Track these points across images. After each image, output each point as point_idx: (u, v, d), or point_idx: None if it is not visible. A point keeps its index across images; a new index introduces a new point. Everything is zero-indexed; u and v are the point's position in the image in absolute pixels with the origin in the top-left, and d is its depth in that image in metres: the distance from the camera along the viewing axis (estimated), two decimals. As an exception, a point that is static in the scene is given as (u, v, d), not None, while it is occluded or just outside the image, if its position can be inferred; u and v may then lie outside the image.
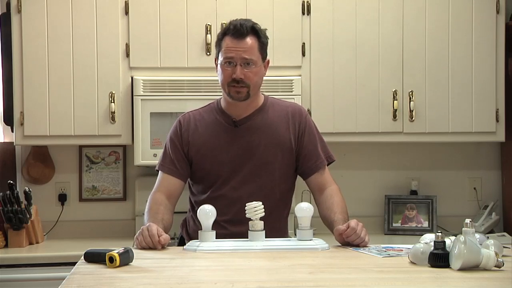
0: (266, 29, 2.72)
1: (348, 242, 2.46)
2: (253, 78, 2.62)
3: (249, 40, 2.61)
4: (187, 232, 2.80)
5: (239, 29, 2.60)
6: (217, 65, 2.69)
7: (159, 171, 2.76)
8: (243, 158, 2.68)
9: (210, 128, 2.72)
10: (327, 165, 2.78)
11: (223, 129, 2.70)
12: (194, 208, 2.75)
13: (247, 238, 2.45)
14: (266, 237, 2.46)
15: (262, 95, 2.78)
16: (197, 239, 2.48)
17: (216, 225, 2.51)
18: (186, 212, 2.90)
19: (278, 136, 2.71)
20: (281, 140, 2.71)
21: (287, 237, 2.81)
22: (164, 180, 2.72)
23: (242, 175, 2.68)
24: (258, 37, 2.64)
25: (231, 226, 2.62)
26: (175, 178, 2.71)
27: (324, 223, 2.65)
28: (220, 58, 2.64)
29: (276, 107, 2.77)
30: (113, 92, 3.62)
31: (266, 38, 2.69)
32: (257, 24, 2.68)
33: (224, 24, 3.59)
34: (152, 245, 2.40)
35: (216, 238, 2.47)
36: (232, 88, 2.62)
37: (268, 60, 2.72)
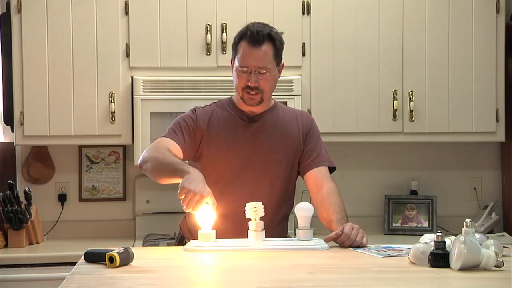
0: (282, 33, 2.72)
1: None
2: (267, 85, 2.66)
3: (264, 48, 2.63)
4: (188, 230, 2.79)
5: (255, 37, 2.62)
6: (232, 66, 2.71)
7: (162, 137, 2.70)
8: (254, 154, 2.70)
9: (224, 121, 2.73)
10: (330, 173, 2.78)
11: (236, 123, 2.73)
12: None
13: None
14: (271, 234, 2.46)
15: (271, 99, 2.81)
16: (198, 235, 2.48)
17: (225, 220, 2.50)
18: (182, 212, 2.88)
19: (288, 135, 2.75)
20: (291, 139, 2.75)
21: (286, 236, 2.82)
22: (167, 142, 2.66)
23: (252, 170, 2.70)
24: (273, 44, 2.66)
25: (240, 221, 2.59)
26: (179, 147, 2.66)
27: (323, 222, 2.65)
28: (236, 63, 2.67)
29: (285, 110, 2.84)
30: (113, 92, 3.62)
31: (282, 43, 2.71)
32: (274, 29, 2.68)
33: (224, 24, 3.62)
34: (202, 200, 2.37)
35: (225, 233, 2.47)
36: (246, 94, 2.66)
37: (283, 64, 2.74)
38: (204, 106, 2.81)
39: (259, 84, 2.63)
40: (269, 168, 2.71)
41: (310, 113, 3.60)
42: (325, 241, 2.47)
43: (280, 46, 2.69)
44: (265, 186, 2.69)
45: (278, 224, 2.73)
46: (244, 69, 2.63)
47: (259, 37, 2.62)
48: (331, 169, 2.80)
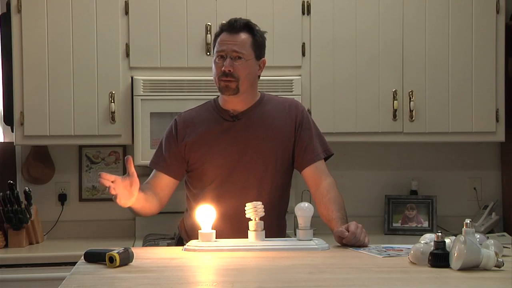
0: (265, 32, 2.73)
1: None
2: (242, 72, 2.62)
3: (242, 35, 2.64)
4: (185, 231, 2.79)
5: (233, 24, 2.65)
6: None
7: (153, 169, 2.76)
8: (242, 153, 2.67)
9: (208, 124, 2.71)
10: (326, 159, 2.76)
11: (220, 124, 2.70)
12: (191, 205, 2.74)
13: (247, 233, 2.44)
14: (266, 233, 2.46)
15: (258, 92, 2.77)
16: (195, 237, 2.48)
17: (220, 222, 2.50)
18: (182, 212, 2.89)
19: (276, 130, 2.70)
20: (279, 134, 2.70)
21: (285, 233, 2.81)
22: (155, 177, 2.73)
23: (240, 170, 2.66)
24: (252, 34, 2.66)
25: (229, 221, 2.58)
26: (167, 175, 2.70)
27: (322, 218, 2.64)
28: (214, 54, 2.67)
29: (273, 102, 2.78)
30: (113, 92, 3.62)
31: (263, 38, 2.71)
32: (254, 24, 2.70)
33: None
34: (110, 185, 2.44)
35: (219, 236, 2.47)
36: (222, 81, 2.63)
37: (264, 60, 2.72)
38: (188, 110, 2.80)
39: (234, 70, 2.60)
40: (257, 166, 2.67)
41: (310, 113, 3.61)
42: (334, 234, 2.47)
43: (260, 39, 2.68)
44: (253, 185, 2.65)
45: (272, 222, 2.63)
46: (221, 54, 2.62)
47: (237, 25, 2.64)
48: (330, 155, 2.78)
